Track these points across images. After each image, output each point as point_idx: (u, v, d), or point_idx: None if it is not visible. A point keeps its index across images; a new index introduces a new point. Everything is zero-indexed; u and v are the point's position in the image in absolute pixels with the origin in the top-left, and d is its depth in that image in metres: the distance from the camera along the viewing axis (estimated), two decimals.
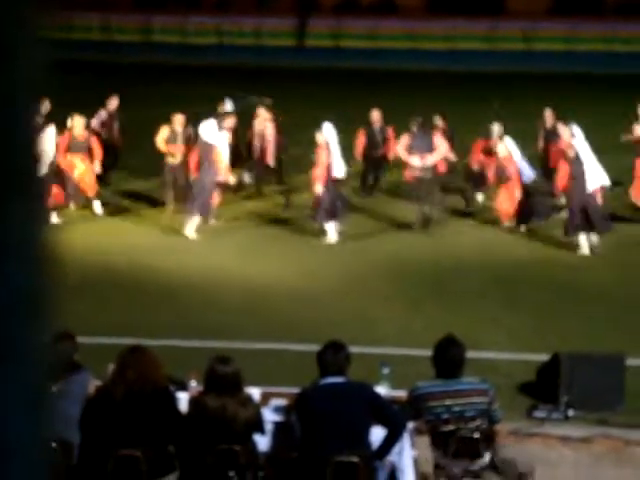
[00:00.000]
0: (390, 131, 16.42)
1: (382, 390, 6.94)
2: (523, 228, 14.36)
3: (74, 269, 12.55)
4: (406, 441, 6.60)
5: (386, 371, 7.18)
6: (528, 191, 14.35)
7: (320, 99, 20.39)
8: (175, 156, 14.93)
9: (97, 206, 15.10)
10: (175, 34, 40.02)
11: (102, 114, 16.68)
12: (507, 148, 14.53)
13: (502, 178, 14.51)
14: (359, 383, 6.50)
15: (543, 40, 38.61)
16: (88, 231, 14.29)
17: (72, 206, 15.03)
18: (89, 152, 15.03)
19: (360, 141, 16.48)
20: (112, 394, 6.28)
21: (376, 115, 16.55)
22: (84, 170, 14.88)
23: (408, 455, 6.62)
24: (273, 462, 6.61)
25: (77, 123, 15.03)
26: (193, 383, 7.01)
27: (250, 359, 8.89)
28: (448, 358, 6.52)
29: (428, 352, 6.65)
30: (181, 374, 7.20)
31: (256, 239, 13.81)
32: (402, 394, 6.89)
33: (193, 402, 6.52)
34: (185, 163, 14.86)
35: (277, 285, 12.06)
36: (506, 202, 14.47)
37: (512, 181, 14.38)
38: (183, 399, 6.73)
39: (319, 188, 13.71)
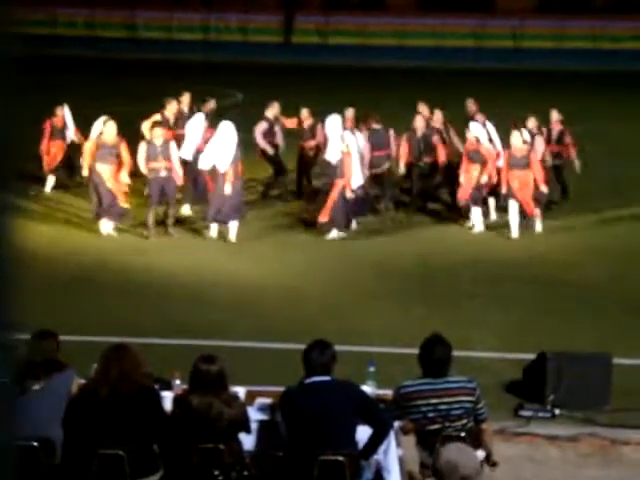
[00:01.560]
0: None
1: (368, 389, 6.92)
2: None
3: (62, 268, 12.53)
4: (392, 440, 6.58)
5: (372, 370, 7.15)
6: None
7: (307, 96, 20.35)
8: (158, 171, 13.65)
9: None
10: (160, 30, 39.91)
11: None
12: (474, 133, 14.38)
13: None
14: (345, 382, 6.47)
15: (531, 38, 38.69)
16: (78, 229, 14.21)
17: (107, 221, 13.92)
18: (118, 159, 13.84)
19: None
20: (96, 393, 6.24)
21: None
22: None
23: (394, 454, 6.60)
24: (258, 461, 6.57)
25: (109, 128, 13.80)
26: (177, 382, 6.97)
27: (236, 358, 8.86)
28: (434, 357, 6.50)
29: (415, 351, 6.62)
30: (166, 373, 7.15)
31: (245, 238, 13.76)
32: (388, 393, 6.88)
33: (178, 401, 6.48)
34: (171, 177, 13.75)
35: (265, 284, 12.01)
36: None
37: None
38: (168, 398, 6.68)
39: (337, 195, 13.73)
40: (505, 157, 14.12)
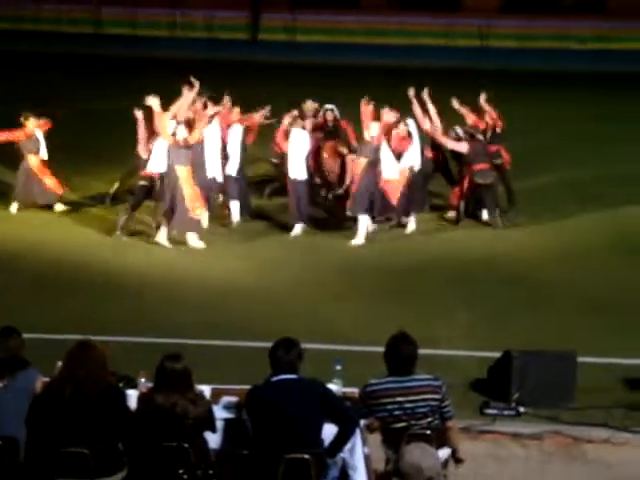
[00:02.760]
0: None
1: (334, 387, 6.92)
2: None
3: (27, 266, 12.42)
4: (358, 438, 6.58)
5: (339, 368, 7.15)
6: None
7: (275, 93, 20.30)
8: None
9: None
10: (125, 26, 39.69)
11: None
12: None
13: None
14: (311, 380, 6.46)
15: (497, 37, 38.86)
16: (43, 228, 14.10)
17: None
18: None
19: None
20: (60, 392, 6.19)
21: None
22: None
23: (360, 452, 6.61)
24: (224, 459, 6.56)
25: None
26: (142, 380, 6.93)
27: (202, 356, 8.83)
28: (400, 355, 6.50)
29: (381, 349, 6.62)
30: (131, 371, 7.11)
31: (212, 237, 13.71)
32: (354, 391, 6.88)
33: (142, 399, 6.45)
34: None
35: (232, 282, 11.98)
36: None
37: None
38: (132, 396, 6.65)
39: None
40: None
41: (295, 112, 14.51)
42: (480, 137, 14.31)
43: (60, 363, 6.45)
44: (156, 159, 13.10)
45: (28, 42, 34.75)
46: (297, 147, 13.88)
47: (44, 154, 14.64)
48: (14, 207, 14.54)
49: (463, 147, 14.21)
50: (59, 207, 14.67)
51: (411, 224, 14.15)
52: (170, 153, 12.94)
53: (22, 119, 14.48)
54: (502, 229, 14.22)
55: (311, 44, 37.86)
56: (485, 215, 14.50)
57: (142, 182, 13.53)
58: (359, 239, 13.58)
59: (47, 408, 6.23)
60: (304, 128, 14.14)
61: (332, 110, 15.48)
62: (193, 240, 13.17)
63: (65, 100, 20.74)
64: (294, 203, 13.90)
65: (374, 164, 13.56)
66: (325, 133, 15.19)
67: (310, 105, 15.44)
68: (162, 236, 13.17)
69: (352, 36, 38.85)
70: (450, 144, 14.37)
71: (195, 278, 12.08)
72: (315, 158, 14.67)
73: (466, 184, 14.31)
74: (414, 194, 14.10)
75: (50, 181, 14.56)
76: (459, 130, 14.58)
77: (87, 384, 6.17)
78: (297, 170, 13.82)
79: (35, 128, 14.40)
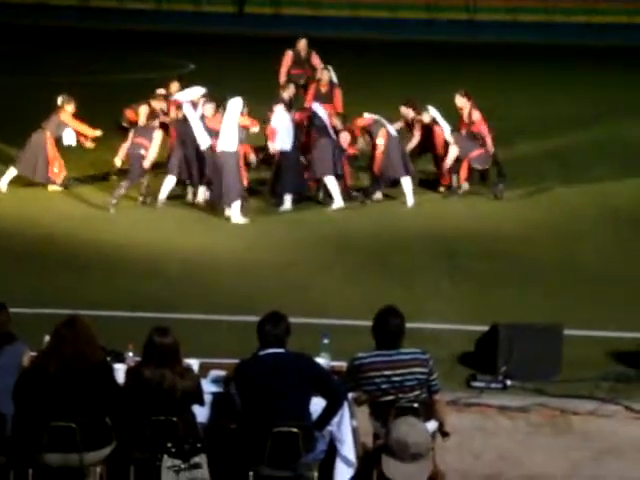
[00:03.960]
0: None
1: (322, 361, 6.93)
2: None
3: (13, 240, 12.39)
4: (346, 411, 6.60)
5: (326, 342, 7.16)
6: None
7: (259, 67, 20.26)
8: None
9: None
10: None
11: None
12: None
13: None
14: (299, 354, 6.48)
15: (484, 10, 38.78)
16: (29, 203, 14.05)
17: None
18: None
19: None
20: (44, 368, 6.19)
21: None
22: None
23: (348, 425, 6.63)
24: (212, 433, 6.57)
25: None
26: (130, 354, 6.93)
27: (190, 330, 8.83)
28: (388, 329, 6.52)
29: (368, 323, 6.64)
30: (119, 345, 7.11)
31: (199, 212, 13.69)
32: (342, 365, 6.89)
33: (130, 373, 6.45)
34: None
35: (218, 257, 11.97)
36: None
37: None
38: (120, 370, 6.65)
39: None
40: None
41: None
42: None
43: (47, 337, 6.45)
44: (229, 137, 13.20)
45: (14, 15, 34.54)
46: (279, 121, 13.86)
47: (69, 138, 14.46)
48: (4, 182, 14.39)
49: (454, 150, 14.45)
50: (52, 187, 14.53)
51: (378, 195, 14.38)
52: (239, 133, 13.26)
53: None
54: (494, 201, 14.29)
55: (296, 17, 37.72)
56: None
57: (141, 152, 13.64)
58: (337, 202, 13.80)
59: (33, 383, 6.23)
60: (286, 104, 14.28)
61: (328, 69, 15.62)
62: (237, 216, 13.23)
63: (49, 73, 20.65)
64: (284, 175, 13.84)
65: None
66: (320, 97, 15.28)
67: (303, 44, 16.11)
68: (235, 213, 13.21)
69: (336, 10, 38.75)
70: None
71: (183, 253, 12.06)
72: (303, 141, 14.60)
73: (465, 171, 14.59)
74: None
75: (56, 168, 14.35)
76: (431, 108, 14.67)
77: (73, 360, 6.17)
78: (282, 141, 13.80)
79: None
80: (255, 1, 40.04)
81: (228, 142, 13.16)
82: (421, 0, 39.11)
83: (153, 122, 14.03)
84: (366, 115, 14.43)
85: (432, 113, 14.65)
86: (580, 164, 16.70)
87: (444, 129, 14.52)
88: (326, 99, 15.41)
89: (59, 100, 14.37)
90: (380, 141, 14.02)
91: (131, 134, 14.02)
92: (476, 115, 14.51)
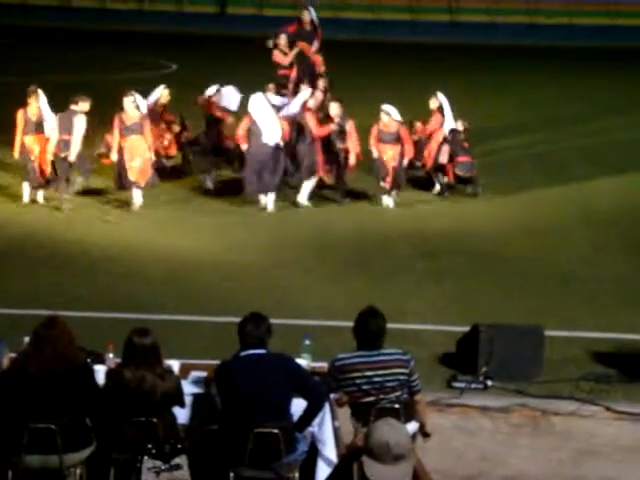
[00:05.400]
0: None
1: (303, 362, 6.92)
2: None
3: None
4: (327, 412, 6.59)
5: (308, 343, 7.15)
6: None
7: (244, 67, 20.26)
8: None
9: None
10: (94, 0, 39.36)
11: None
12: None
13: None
14: (280, 355, 6.46)
15: (467, 12, 38.92)
16: (10, 203, 13.97)
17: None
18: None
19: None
20: (23, 370, 6.15)
21: None
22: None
23: (329, 426, 6.62)
24: (193, 434, 6.55)
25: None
26: (110, 355, 6.90)
27: (170, 331, 8.81)
28: (369, 329, 6.52)
29: (350, 323, 6.63)
30: (99, 346, 7.08)
31: (181, 212, 13.66)
32: (324, 365, 6.88)
33: (111, 374, 6.42)
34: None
35: (200, 257, 11.95)
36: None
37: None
38: (100, 371, 6.62)
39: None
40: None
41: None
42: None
43: (27, 339, 6.41)
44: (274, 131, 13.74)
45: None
46: (261, 111, 13.87)
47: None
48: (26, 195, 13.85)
49: (444, 153, 14.57)
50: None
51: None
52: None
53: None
54: (475, 201, 14.34)
55: (278, 18, 37.74)
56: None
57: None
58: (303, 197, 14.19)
59: (12, 385, 6.18)
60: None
61: (308, 11, 15.82)
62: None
63: (30, 73, 20.54)
64: (266, 171, 13.80)
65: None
66: (301, 36, 15.47)
67: (307, 16, 16.33)
68: (303, 197, 13.99)
69: (319, 11, 38.82)
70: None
71: (164, 252, 12.04)
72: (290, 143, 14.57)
73: (450, 175, 14.73)
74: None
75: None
76: (440, 95, 14.76)
77: (53, 361, 6.13)
78: (268, 135, 13.75)
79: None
80: (237, 1, 40.05)
81: (274, 135, 13.73)
82: (403, 2, 39.21)
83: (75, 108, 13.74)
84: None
85: (440, 99, 14.65)
86: (562, 164, 16.77)
87: (446, 119, 14.51)
88: (308, 38, 15.62)
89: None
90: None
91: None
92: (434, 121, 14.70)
